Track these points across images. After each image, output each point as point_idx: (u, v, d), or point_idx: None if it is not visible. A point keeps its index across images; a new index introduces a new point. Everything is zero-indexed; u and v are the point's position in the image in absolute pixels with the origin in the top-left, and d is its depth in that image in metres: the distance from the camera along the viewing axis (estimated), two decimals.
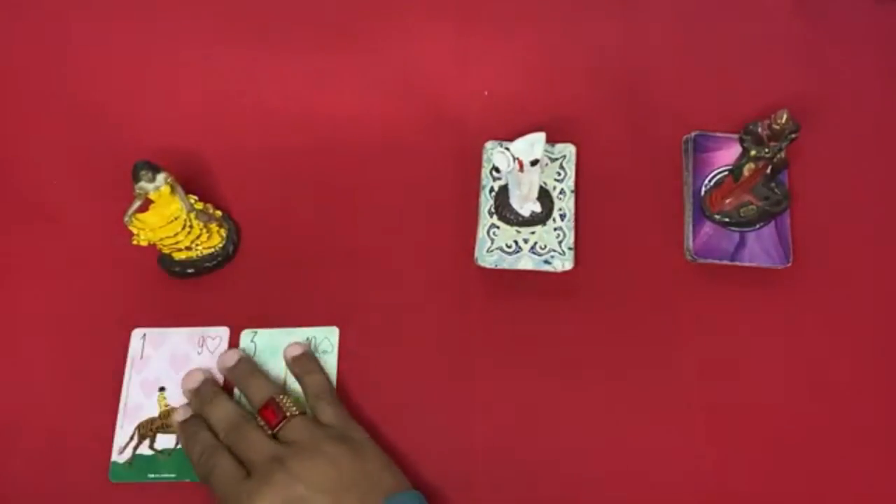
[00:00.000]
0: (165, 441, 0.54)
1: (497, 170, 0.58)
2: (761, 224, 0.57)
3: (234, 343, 0.56)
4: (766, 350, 0.55)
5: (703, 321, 0.56)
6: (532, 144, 0.51)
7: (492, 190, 0.58)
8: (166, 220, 0.53)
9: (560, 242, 0.56)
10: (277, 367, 0.55)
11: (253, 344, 0.56)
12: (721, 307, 0.56)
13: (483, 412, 0.54)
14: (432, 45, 0.65)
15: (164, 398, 0.55)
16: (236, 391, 0.54)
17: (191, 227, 0.54)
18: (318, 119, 0.63)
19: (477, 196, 0.58)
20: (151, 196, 0.51)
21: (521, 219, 0.57)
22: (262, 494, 0.46)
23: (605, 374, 0.55)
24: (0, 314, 0.58)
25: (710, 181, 0.58)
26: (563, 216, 0.57)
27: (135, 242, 0.54)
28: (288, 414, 0.50)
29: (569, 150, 0.59)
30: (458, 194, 0.59)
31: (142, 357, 0.56)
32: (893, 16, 0.65)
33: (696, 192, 0.58)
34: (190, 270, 0.57)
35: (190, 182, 0.57)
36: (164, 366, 0.55)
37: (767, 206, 0.55)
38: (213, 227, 0.56)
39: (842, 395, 0.54)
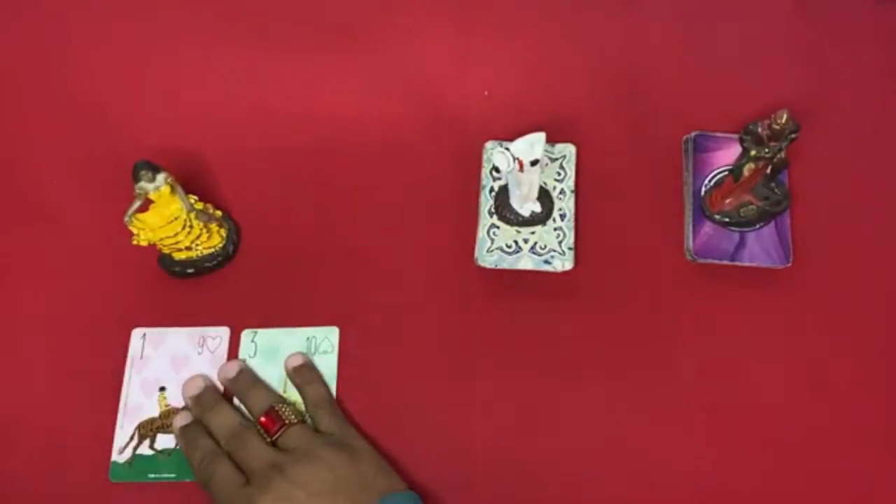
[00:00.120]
0: (165, 441, 0.54)
1: (497, 170, 0.58)
2: (761, 224, 0.57)
3: (234, 342, 0.56)
4: (766, 350, 0.55)
5: (703, 321, 0.56)
6: (532, 144, 0.51)
7: (492, 190, 0.58)
8: (166, 220, 0.53)
9: (560, 242, 0.56)
10: (277, 368, 0.55)
11: (253, 344, 0.56)
12: (721, 307, 0.56)
13: (483, 412, 0.54)
14: (432, 45, 0.65)
15: (165, 398, 0.55)
16: (236, 399, 0.54)
17: (191, 227, 0.54)
18: (318, 119, 0.63)
19: (477, 196, 0.58)
20: (151, 196, 0.51)
21: (521, 219, 0.57)
22: (260, 501, 0.46)
23: (605, 374, 0.55)
24: (0, 314, 0.58)
25: (710, 181, 0.58)
26: (563, 216, 0.57)
27: (135, 242, 0.54)
28: (287, 422, 0.51)
29: (569, 150, 0.59)
30: (458, 194, 0.59)
31: (142, 357, 0.56)
32: (893, 16, 0.65)
33: (696, 192, 0.58)
34: (190, 270, 0.57)
35: (190, 182, 0.57)
36: (164, 366, 0.55)
37: (767, 206, 0.55)
38: (213, 227, 0.56)
39: (842, 395, 0.54)
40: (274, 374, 0.55)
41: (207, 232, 0.56)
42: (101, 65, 0.65)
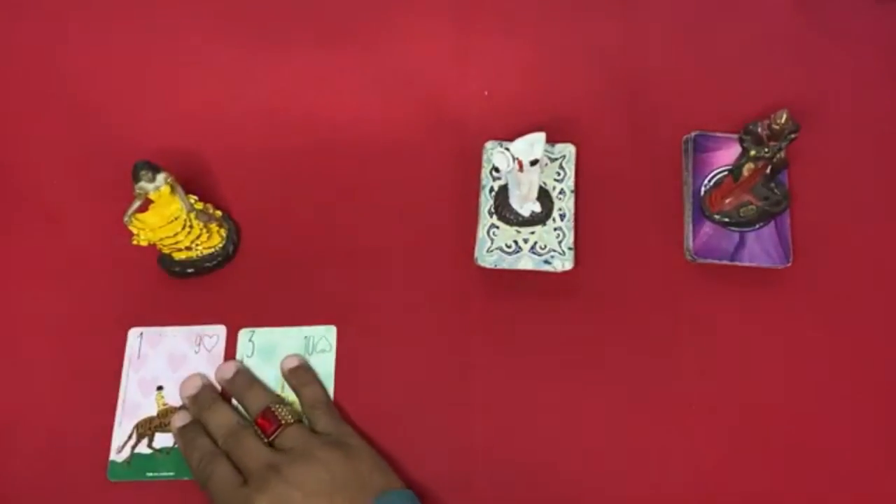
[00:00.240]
0: (164, 440, 0.54)
1: (497, 170, 0.58)
2: (761, 224, 0.57)
3: (231, 341, 0.56)
4: (766, 350, 0.55)
5: (702, 321, 0.56)
6: (532, 144, 0.51)
7: (492, 190, 0.58)
8: (166, 220, 0.53)
9: (560, 242, 0.56)
10: (275, 367, 0.55)
11: (251, 343, 0.56)
12: (721, 307, 0.56)
13: (482, 411, 0.54)
14: (432, 44, 0.65)
15: (162, 397, 0.55)
16: (234, 399, 0.54)
17: (191, 227, 0.54)
18: (318, 119, 0.63)
19: (477, 196, 0.58)
20: (151, 196, 0.51)
21: (520, 219, 0.57)
22: (258, 501, 0.47)
23: (604, 374, 0.55)
24: (0, 314, 0.58)
25: (709, 181, 0.58)
26: (562, 216, 0.57)
27: (135, 242, 0.54)
28: (284, 422, 0.51)
29: (569, 150, 0.59)
30: (458, 194, 0.59)
31: (139, 356, 0.56)
32: (893, 16, 0.65)
33: (696, 192, 0.58)
34: (190, 270, 0.57)
35: (190, 182, 0.57)
36: (161, 365, 0.55)
37: (767, 206, 0.55)
38: (213, 227, 0.56)
39: (842, 394, 0.54)
40: (271, 373, 0.55)
41: (207, 232, 0.56)
42: (100, 65, 0.65)
